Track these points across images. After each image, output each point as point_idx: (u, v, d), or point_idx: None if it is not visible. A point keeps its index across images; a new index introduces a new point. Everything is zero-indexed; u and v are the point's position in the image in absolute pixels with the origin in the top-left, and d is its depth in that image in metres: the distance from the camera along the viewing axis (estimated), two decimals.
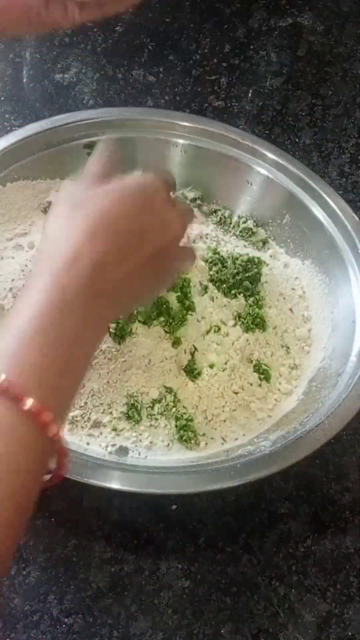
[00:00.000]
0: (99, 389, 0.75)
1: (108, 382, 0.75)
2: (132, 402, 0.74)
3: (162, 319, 0.77)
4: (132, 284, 0.53)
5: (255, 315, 0.81)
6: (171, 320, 0.77)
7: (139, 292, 0.56)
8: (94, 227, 0.50)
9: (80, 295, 0.48)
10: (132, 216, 0.52)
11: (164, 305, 0.77)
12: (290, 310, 0.85)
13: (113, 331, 0.75)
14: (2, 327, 0.46)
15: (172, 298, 0.78)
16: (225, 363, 0.78)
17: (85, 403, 0.74)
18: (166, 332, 0.77)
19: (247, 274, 0.83)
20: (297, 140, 1.03)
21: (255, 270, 0.84)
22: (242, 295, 0.83)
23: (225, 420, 0.76)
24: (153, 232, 0.54)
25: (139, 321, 0.76)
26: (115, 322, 0.75)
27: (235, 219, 0.92)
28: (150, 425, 0.74)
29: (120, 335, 0.75)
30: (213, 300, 0.81)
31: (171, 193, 0.58)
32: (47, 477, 0.47)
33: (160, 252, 0.54)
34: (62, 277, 0.48)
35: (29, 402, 0.42)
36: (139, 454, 0.73)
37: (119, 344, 0.75)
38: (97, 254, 0.49)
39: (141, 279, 0.54)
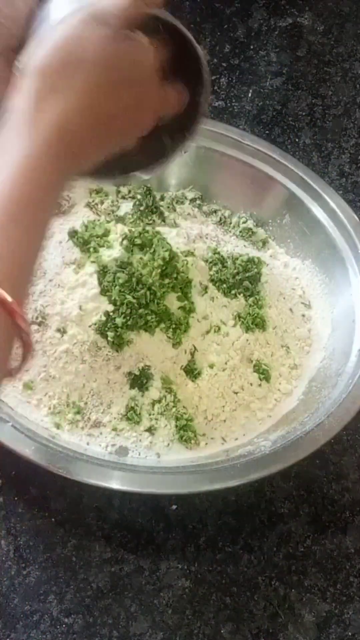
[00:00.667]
0: (98, 389, 0.75)
1: (108, 382, 0.75)
2: (131, 404, 0.74)
3: (163, 325, 0.77)
4: (89, 114, 0.48)
5: (255, 315, 0.81)
6: (174, 327, 0.77)
7: (103, 130, 0.50)
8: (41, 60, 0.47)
9: (45, 157, 0.45)
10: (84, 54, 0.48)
11: (165, 312, 0.77)
12: (290, 310, 0.85)
13: (111, 340, 0.75)
14: None
15: (172, 301, 0.78)
16: (225, 363, 0.79)
17: (85, 403, 0.74)
18: (169, 337, 0.77)
19: (247, 274, 0.83)
20: (297, 140, 1.03)
21: (255, 270, 0.84)
22: (242, 295, 0.83)
23: (225, 420, 0.76)
24: (114, 60, 0.48)
25: (141, 327, 0.76)
26: (113, 331, 0.75)
27: (235, 219, 0.92)
28: (150, 425, 0.74)
29: (118, 344, 0.75)
30: (213, 300, 0.81)
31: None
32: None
33: (128, 85, 0.49)
34: (27, 138, 0.45)
35: None
36: (139, 454, 0.73)
37: (117, 351, 0.75)
38: (61, 112, 0.46)
39: (102, 105, 0.48)
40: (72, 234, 0.81)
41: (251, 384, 0.78)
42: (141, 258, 0.77)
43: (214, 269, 0.83)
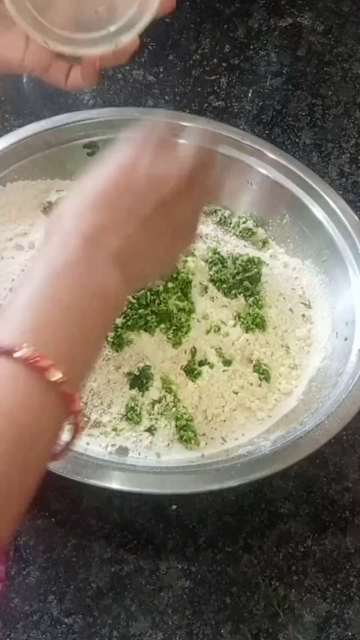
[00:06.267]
0: (98, 389, 0.75)
1: (108, 382, 0.75)
2: (131, 404, 0.74)
3: (163, 326, 0.77)
4: (139, 247, 0.52)
5: (255, 315, 0.81)
6: (174, 328, 0.77)
7: (152, 255, 0.54)
8: (81, 205, 0.51)
9: (73, 268, 0.47)
10: (116, 183, 0.52)
11: (165, 312, 0.77)
12: (290, 310, 0.85)
13: (111, 340, 0.75)
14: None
15: (172, 301, 0.78)
16: (225, 363, 0.78)
17: (85, 403, 0.74)
18: (169, 338, 0.77)
19: (247, 274, 0.83)
20: (297, 140, 1.03)
21: (255, 270, 0.84)
22: (242, 295, 0.83)
23: (225, 420, 0.76)
24: (142, 191, 0.52)
25: (141, 327, 0.76)
26: (113, 331, 0.75)
27: (235, 219, 0.92)
28: (150, 425, 0.74)
29: (118, 344, 0.75)
30: (213, 300, 0.81)
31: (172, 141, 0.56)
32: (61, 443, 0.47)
33: (163, 206, 0.53)
34: (52, 257, 0.48)
35: (23, 351, 0.42)
36: (139, 454, 0.73)
37: (117, 351, 0.75)
38: (86, 228, 0.49)
39: (150, 240, 0.52)
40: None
41: (251, 384, 0.78)
42: None
43: (214, 269, 0.83)
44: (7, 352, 0.42)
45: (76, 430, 0.47)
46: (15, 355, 0.42)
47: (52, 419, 0.45)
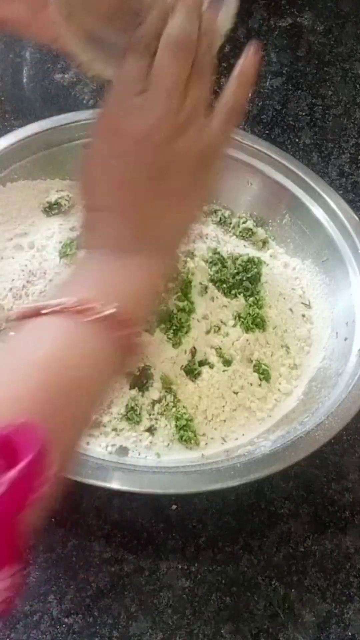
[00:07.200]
0: None
1: None
2: (131, 404, 0.74)
3: (163, 326, 0.77)
4: (140, 205, 0.50)
5: (255, 315, 0.81)
6: (175, 328, 0.77)
7: (159, 212, 0.51)
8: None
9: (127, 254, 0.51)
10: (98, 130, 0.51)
11: (165, 312, 0.77)
12: (290, 310, 0.85)
13: None
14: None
15: (172, 301, 0.78)
16: (225, 363, 0.78)
17: None
18: (169, 338, 0.77)
19: (247, 274, 0.83)
20: (297, 140, 1.03)
21: (255, 270, 0.84)
22: (242, 295, 0.83)
23: (225, 420, 0.76)
24: (119, 134, 0.48)
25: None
26: None
27: (235, 219, 0.92)
28: (150, 425, 0.74)
29: None
30: (213, 301, 0.81)
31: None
32: None
33: (145, 153, 0.48)
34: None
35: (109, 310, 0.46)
36: (139, 454, 0.73)
37: None
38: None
39: (148, 194, 0.50)
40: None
41: (251, 384, 0.78)
42: None
43: (214, 269, 0.83)
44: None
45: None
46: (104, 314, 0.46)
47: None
